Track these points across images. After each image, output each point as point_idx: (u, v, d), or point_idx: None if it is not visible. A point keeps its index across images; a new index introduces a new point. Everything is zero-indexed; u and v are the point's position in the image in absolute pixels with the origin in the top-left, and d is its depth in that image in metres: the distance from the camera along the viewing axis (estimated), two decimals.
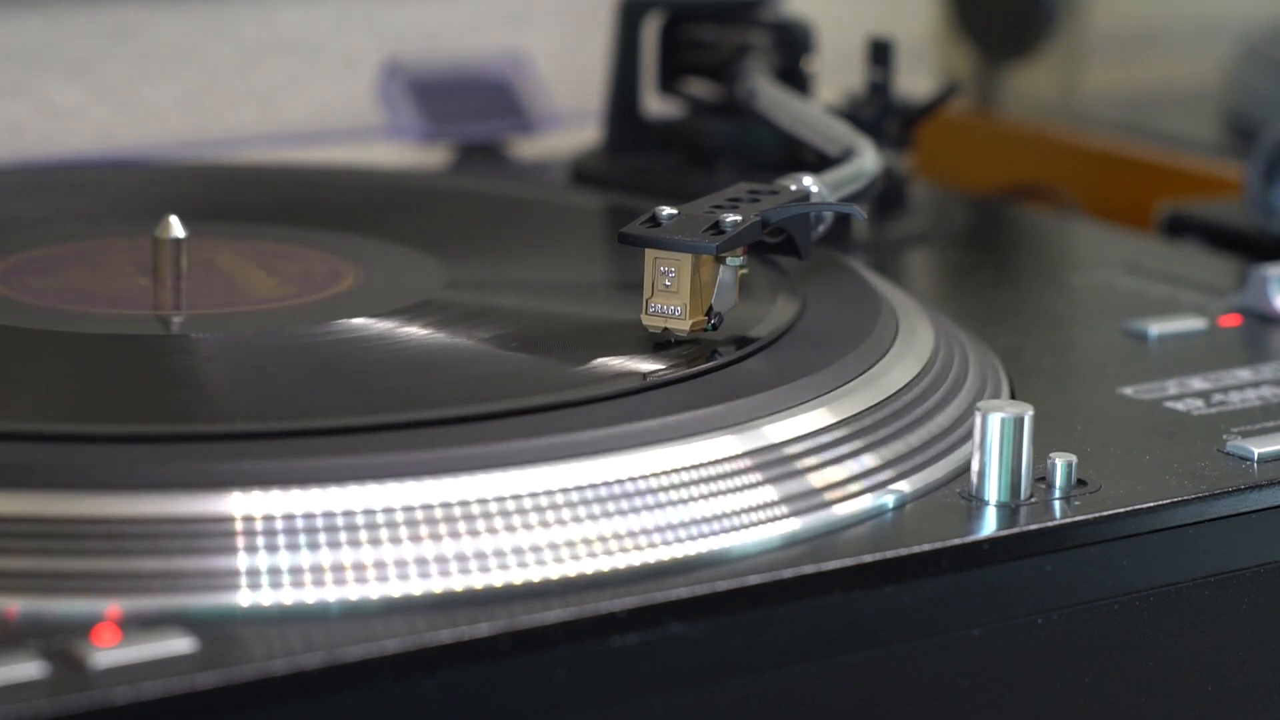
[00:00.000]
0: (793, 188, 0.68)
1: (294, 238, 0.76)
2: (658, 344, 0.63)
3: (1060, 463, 0.59)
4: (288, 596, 0.50)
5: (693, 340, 0.63)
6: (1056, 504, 0.58)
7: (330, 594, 0.50)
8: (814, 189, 0.69)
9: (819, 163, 0.77)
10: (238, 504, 0.51)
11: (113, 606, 0.49)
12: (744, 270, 0.63)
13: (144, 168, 0.93)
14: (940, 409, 0.62)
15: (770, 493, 0.56)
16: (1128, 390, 0.68)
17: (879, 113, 0.89)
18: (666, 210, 0.63)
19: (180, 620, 0.49)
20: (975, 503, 0.58)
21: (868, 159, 0.75)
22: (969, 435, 0.60)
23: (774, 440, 0.57)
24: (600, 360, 0.62)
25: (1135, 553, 0.58)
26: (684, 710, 0.53)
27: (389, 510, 0.52)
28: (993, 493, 0.58)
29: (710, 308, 0.63)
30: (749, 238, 0.63)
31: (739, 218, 0.63)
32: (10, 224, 0.78)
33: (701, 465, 0.56)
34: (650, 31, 0.94)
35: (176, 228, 0.68)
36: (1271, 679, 0.62)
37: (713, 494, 0.55)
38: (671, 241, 0.62)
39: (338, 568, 0.51)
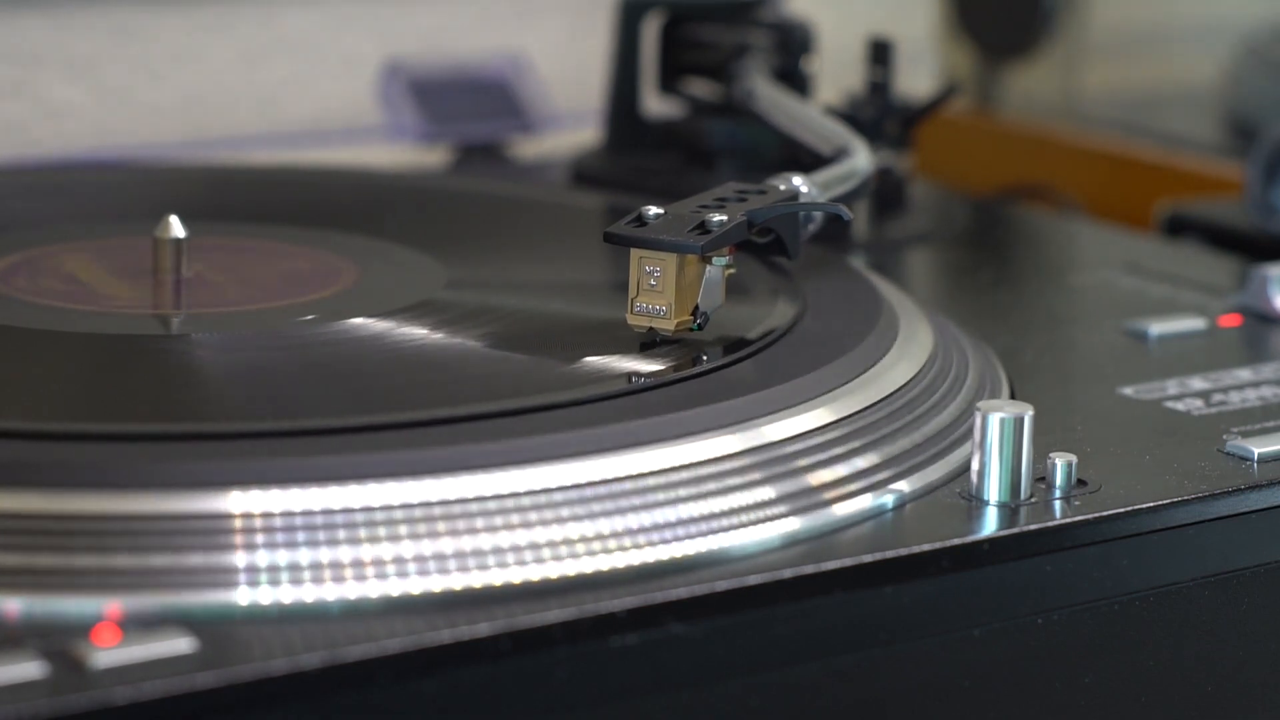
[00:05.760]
0: (781, 187, 0.68)
1: (294, 238, 0.76)
2: (657, 344, 0.63)
3: (1060, 463, 0.59)
4: (287, 595, 0.50)
5: (693, 340, 0.63)
6: (1056, 504, 0.58)
7: (330, 592, 0.50)
8: (803, 189, 0.69)
9: (814, 162, 0.77)
10: (237, 502, 0.51)
11: (112, 606, 0.49)
12: (731, 270, 0.63)
13: (144, 168, 0.93)
14: (940, 409, 0.62)
15: (770, 492, 0.56)
16: (1128, 390, 0.68)
17: (879, 113, 0.89)
18: (653, 210, 0.63)
19: (180, 620, 0.49)
20: (975, 503, 0.58)
21: (860, 159, 0.75)
22: (969, 435, 0.60)
23: (774, 439, 0.57)
24: (600, 360, 0.62)
25: (1135, 553, 0.58)
26: (684, 710, 0.53)
27: (388, 509, 0.52)
28: (993, 493, 0.58)
29: (696, 307, 0.62)
30: (735, 237, 0.63)
31: (725, 217, 0.63)
32: (10, 224, 0.78)
33: (702, 464, 0.56)
34: (650, 31, 0.94)
35: (176, 228, 0.68)
36: (1271, 679, 0.62)
37: (713, 493, 0.55)
38: (656, 241, 0.62)
39: (337, 566, 0.51)
